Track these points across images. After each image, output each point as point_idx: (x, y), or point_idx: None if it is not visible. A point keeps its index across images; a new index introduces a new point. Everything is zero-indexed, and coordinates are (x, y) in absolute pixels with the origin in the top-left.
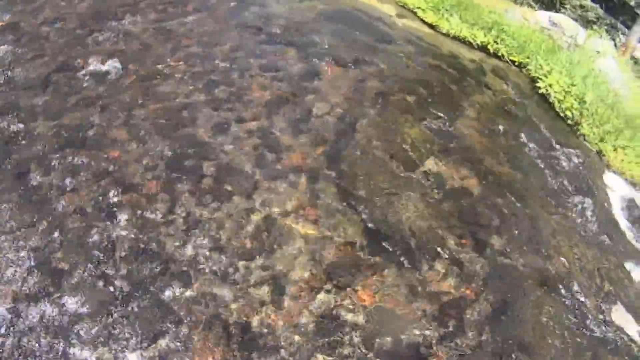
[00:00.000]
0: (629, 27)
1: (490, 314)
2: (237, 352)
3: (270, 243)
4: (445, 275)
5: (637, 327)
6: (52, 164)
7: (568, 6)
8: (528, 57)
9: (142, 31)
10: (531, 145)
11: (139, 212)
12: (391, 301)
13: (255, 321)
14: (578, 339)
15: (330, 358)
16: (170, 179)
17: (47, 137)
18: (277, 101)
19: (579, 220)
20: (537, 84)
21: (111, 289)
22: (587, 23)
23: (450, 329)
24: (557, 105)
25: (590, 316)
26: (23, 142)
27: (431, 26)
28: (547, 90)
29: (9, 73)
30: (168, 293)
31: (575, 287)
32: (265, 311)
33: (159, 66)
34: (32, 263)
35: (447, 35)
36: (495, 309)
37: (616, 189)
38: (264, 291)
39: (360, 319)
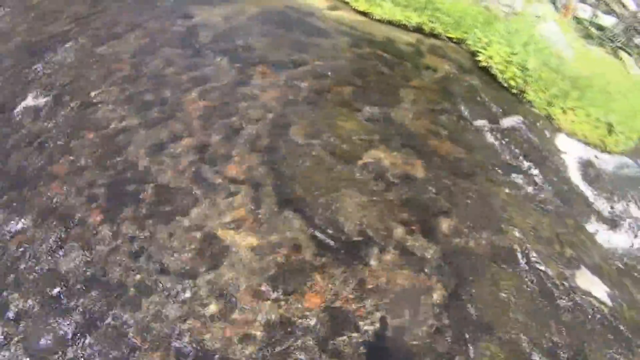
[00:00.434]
0: None
1: (447, 299)
2: None
3: (214, 258)
4: (396, 266)
5: (604, 288)
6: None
7: None
8: (466, 32)
9: (74, 60)
10: (476, 120)
11: (86, 244)
12: (341, 300)
13: (207, 338)
14: (542, 310)
15: None
16: (112, 208)
17: None
18: (210, 113)
19: (531, 189)
20: (477, 58)
21: (67, 323)
22: None
23: (407, 318)
24: (499, 76)
25: (553, 285)
26: None
27: (364, 14)
28: (487, 62)
29: None
30: (120, 320)
31: (534, 257)
32: (216, 326)
33: (93, 94)
34: None
35: (381, 21)
36: (451, 293)
37: (570, 151)
38: (213, 307)
39: (312, 322)
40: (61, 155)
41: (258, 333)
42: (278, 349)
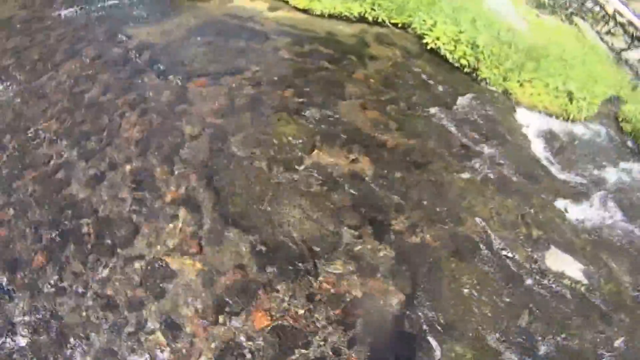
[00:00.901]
0: None
1: (404, 303)
2: None
3: (159, 286)
4: (345, 274)
5: (578, 265)
6: None
7: None
8: (410, 16)
9: (14, 96)
10: (427, 106)
11: (32, 288)
12: (290, 316)
13: None
14: (511, 300)
15: None
16: (56, 247)
17: None
18: (148, 136)
19: (492, 171)
20: (424, 41)
21: None
22: None
23: (359, 329)
24: (449, 57)
25: (521, 271)
26: None
27: (305, 11)
28: (435, 44)
29: None
30: None
31: (498, 244)
32: (164, 356)
33: (32, 130)
34: None
35: (322, 16)
36: (407, 296)
37: (531, 125)
38: (160, 336)
39: (260, 343)
40: (3, 200)
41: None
42: None
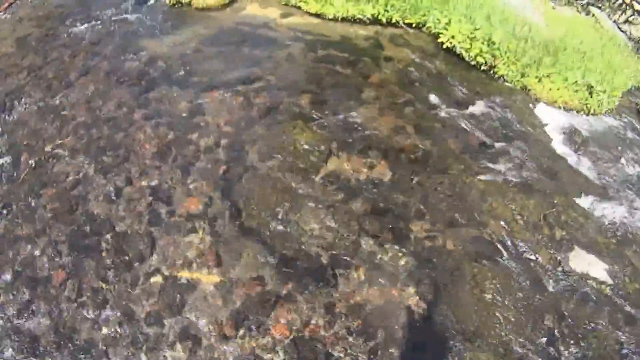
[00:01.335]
0: None
1: (425, 311)
2: None
3: (177, 300)
4: (366, 283)
5: (603, 265)
6: None
7: None
8: (424, 15)
9: (30, 115)
10: (444, 107)
11: (52, 304)
12: (310, 328)
13: None
14: (535, 304)
15: None
16: (75, 263)
17: None
18: (164, 149)
19: (513, 171)
20: (439, 40)
21: None
22: None
23: (379, 340)
24: (465, 55)
25: (545, 274)
26: None
27: (318, 15)
28: (451, 42)
29: None
30: None
31: (521, 247)
32: None
33: (49, 148)
34: None
35: (335, 19)
36: (429, 304)
37: (551, 120)
38: (179, 350)
39: (280, 355)
40: (23, 217)
41: None
42: None
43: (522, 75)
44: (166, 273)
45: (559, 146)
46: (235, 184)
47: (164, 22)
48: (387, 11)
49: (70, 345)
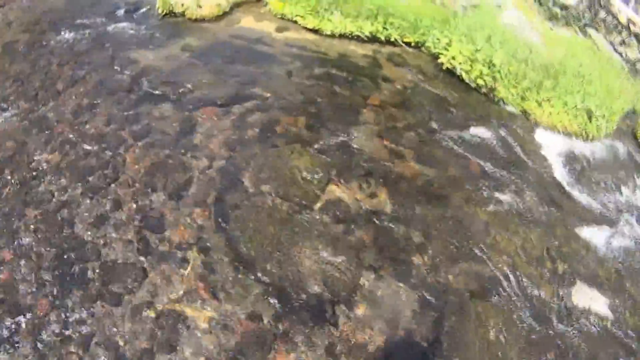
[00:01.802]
0: None
1: (428, 350)
2: None
3: (169, 337)
4: (366, 321)
5: (603, 299)
6: None
7: None
8: (424, 34)
9: (16, 127)
10: (444, 131)
11: (35, 337)
12: None
13: None
14: (538, 342)
15: None
16: (60, 293)
17: None
18: (154, 171)
19: (515, 200)
20: (439, 60)
21: None
22: None
23: None
24: (465, 77)
25: (548, 309)
26: None
27: (315, 31)
28: (451, 64)
29: None
30: None
31: (524, 282)
32: None
33: (34, 164)
34: None
35: (333, 36)
36: (430, 343)
37: (551, 146)
38: None
39: None
40: (5, 239)
41: None
42: None
43: (523, 99)
44: (157, 307)
45: (559, 173)
46: (229, 212)
47: (156, 33)
48: (386, 29)
49: None
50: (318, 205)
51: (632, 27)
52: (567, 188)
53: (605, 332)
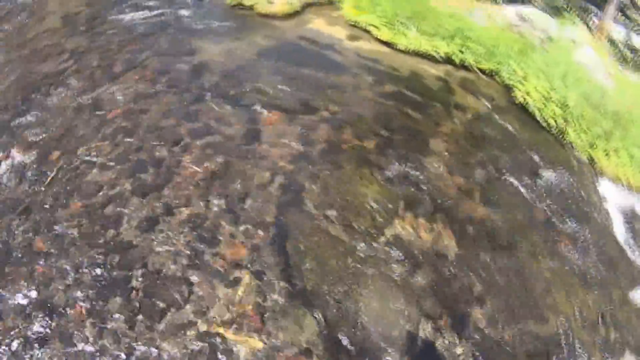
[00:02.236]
0: (600, 8)
1: None
2: None
3: None
4: None
5: None
6: None
7: None
8: (499, 63)
9: (66, 108)
10: (513, 172)
11: (68, 341)
12: None
13: None
14: None
15: None
16: (98, 298)
17: None
18: (211, 177)
19: (576, 258)
20: (513, 94)
21: None
22: (556, 11)
23: None
24: (537, 114)
25: None
26: None
27: (388, 44)
28: (524, 99)
29: None
30: None
31: (578, 348)
32: None
33: (82, 150)
34: None
35: (406, 51)
36: None
37: (612, 200)
38: None
39: None
40: (45, 229)
41: None
42: None
43: (591, 146)
44: (201, 329)
45: (619, 230)
46: (289, 234)
47: (222, 24)
48: (462, 52)
49: None
50: (382, 239)
51: None
52: (625, 247)
53: None
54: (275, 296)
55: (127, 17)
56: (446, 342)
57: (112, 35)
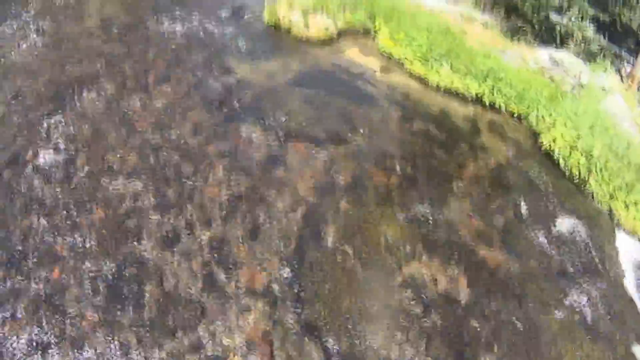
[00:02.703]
0: (633, 55)
1: None
2: None
3: None
4: None
5: None
6: None
7: (570, 40)
8: (528, 108)
9: (98, 111)
10: (532, 218)
11: (76, 349)
12: None
13: None
14: None
15: None
16: (111, 308)
17: None
18: (234, 200)
19: (585, 309)
20: (539, 140)
21: None
22: (590, 56)
23: None
24: (561, 162)
25: None
26: None
27: (419, 79)
28: (550, 146)
29: None
30: None
31: None
32: None
33: (109, 157)
34: None
35: (437, 88)
36: None
37: (629, 253)
38: None
39: None
40: (66, 232)
41: None
42: None
43: (611, 197)
44: (210, 352)
45: (630, 284)
46: (306, 266)
47: (257, 44)
48: (493, 93)
49: None
50: (399, 279)
51: None
52: (635, 302)
53: None
54: (286, 326)
55: (166, 27)
56: None
57: (148, 44)
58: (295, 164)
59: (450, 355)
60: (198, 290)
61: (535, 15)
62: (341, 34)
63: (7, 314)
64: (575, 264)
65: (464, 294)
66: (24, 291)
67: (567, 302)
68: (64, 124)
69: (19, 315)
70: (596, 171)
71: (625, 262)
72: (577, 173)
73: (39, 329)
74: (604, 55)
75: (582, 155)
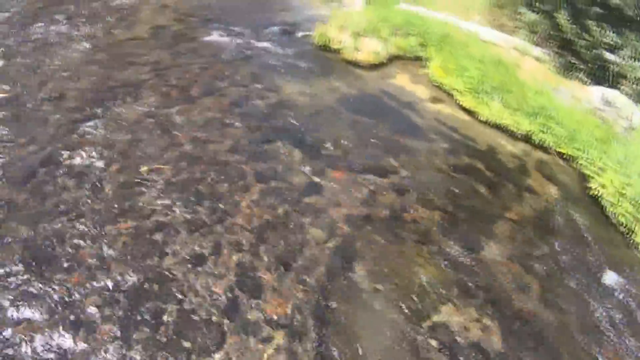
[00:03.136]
0: None
1: None
2: None
3: None
4: None
5: None
6: (13, 285)
7: (623, 80)
8: (579, 149)
9: (136, 120)
10: (573, 269)
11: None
12: None
13: None
14: None
15: None
16: (127, 323)
17: (17, 250)
18: (266, 225)
19: None
20: (588, 184)
21: None
22: None
23: None
24: (609, 209)
25: None
26: None
27: (469, 112)
28: (599, 191)
29: None
30: None
31: None
32: None
33: (144, 169)
34: None
35: (486, 123)
36: None
37: None
38: None
39: None
40: (92, 240)
41: None
42: None
43: None
44: None
45: None
46: (333, 302)
47: (306, 64)
48: (543, 132)
49: None
50: (427, 324)
51: None
52: None
53: None
54: None
55: (214, 40)
56: None
57: (195, 56)
58: (333, 192)
59: None
60: (219, 315)
61: (589, 52)
62: (391, 59)
63: (24, 316)
64: (616, 321)
65: (495, 346)
66: (43, 294)
67: None
68: (102, 129)
69: (36, 318)
70: None
71: None
72: (624, 222)
73: (52, 334)
74: None
75: (630, 203)
